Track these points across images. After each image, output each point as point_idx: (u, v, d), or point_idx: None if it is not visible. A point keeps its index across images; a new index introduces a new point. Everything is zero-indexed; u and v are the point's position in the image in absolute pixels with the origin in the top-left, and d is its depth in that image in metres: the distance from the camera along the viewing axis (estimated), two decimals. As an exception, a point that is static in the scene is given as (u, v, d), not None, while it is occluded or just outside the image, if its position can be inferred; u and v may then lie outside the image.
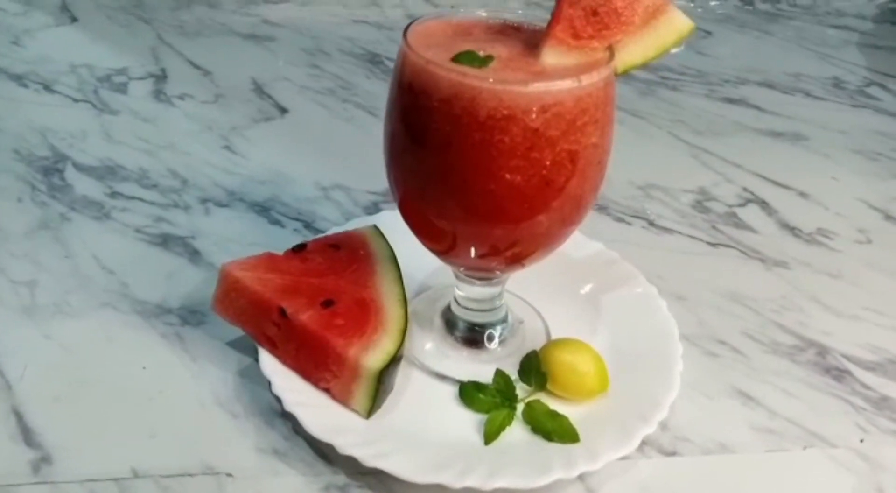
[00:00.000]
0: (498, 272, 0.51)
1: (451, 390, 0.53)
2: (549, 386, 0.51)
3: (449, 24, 0.48)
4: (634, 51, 0.44)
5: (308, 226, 0.71)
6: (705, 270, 0.69)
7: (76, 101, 0.91)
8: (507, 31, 0.48)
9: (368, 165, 0.80)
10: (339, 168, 0.80)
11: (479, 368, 0.54)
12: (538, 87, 0.39)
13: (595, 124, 0.42)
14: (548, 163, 0.41)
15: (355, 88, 0.98)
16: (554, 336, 0.57)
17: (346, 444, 0.45)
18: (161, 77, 0.97)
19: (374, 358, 0.48)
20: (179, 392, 0.53)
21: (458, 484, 0.43)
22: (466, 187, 0.42)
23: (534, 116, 0.40)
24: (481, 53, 0.43)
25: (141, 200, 0.73)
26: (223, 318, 0.54)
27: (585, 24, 0.43)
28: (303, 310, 0.50)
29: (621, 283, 0.61)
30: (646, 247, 0.71)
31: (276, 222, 0.71)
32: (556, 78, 0.40)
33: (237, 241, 0.68)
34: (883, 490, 0.49)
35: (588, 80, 0.41)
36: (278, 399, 0.49)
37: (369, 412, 0.49)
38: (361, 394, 0.48)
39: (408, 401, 0.51)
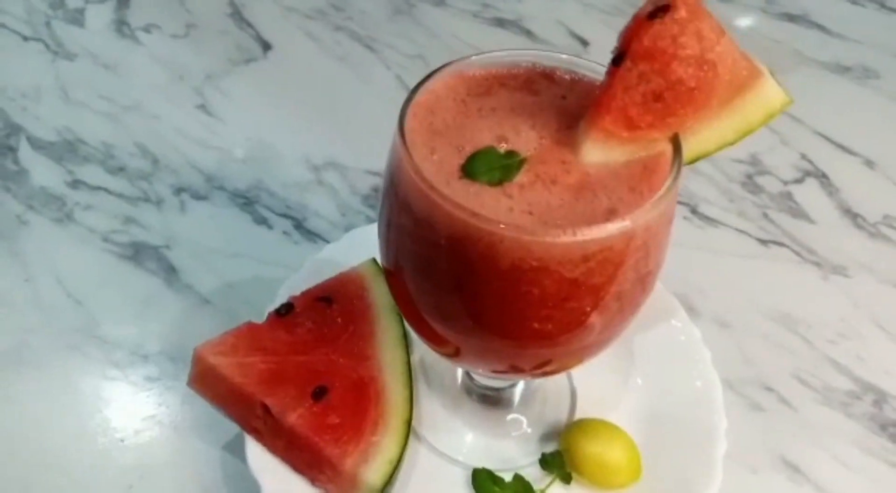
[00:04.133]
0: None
1: (463, 473, 0.47)
2: (574, 475, 0.46)
3: (462, 77, 0.36)
4: (707, 138, 0.33)
5: (298, 226, 0.62)
6: (754, 280, 0.60)
7: (26, 39, 0.78)
8: (535, 83, 0.36)
9: (365, 130, 0.69)
10: (333, 136, 0.69)
11: (494, 444, 0.48)
12: (580, 236, 0.29)
13: (650, 256, 0.32)
14: (588, 309, 0.32)
15: (349, 9, 0.83)
16: (580, 396, 0.50)
17: (345, 577, 0.40)
18: (123, 0, 0.82)
19: (374, 472, 0.42)
20: (161, 476, 0.47)
21: None
22: (482, 329, 0.34)
23: (573, 267, 0.30)
24: (503, 148, 0.33)
25: (107, 191, 0.64)
26: (202, 396, 0.47)
27: (644, 112, 0.31)
28: (291, 406, 0.43)
29: (659, 321, 0.53)
30: (687, 247, 0.62)
31: (262, 222, 0.62)
32: (602, 218, 0.30)
33: (218, 251, 0.60)
34: None
35: (645, 216, 0.30)
36: (269, 507, 0.43)
37: (372, 518, 0.43)
38: (362, 503, 0.43)
39: (415, 487, 0.46)
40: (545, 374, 0.39)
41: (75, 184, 0.64)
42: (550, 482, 0.46)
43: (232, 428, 0.49)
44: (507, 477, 0.46)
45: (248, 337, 0.46)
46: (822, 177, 0.69)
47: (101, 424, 0.50)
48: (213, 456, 0.48)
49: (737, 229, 0.64)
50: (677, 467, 0.46)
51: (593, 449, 0.45)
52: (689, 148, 0.33)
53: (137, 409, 0.50)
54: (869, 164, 0.70)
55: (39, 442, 0.49)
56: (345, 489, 0.43)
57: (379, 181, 0.65)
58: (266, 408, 0.43)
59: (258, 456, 0.45)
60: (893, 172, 0.69)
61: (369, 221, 0.63)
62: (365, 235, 0.56)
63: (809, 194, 0.67)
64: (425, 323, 0.37)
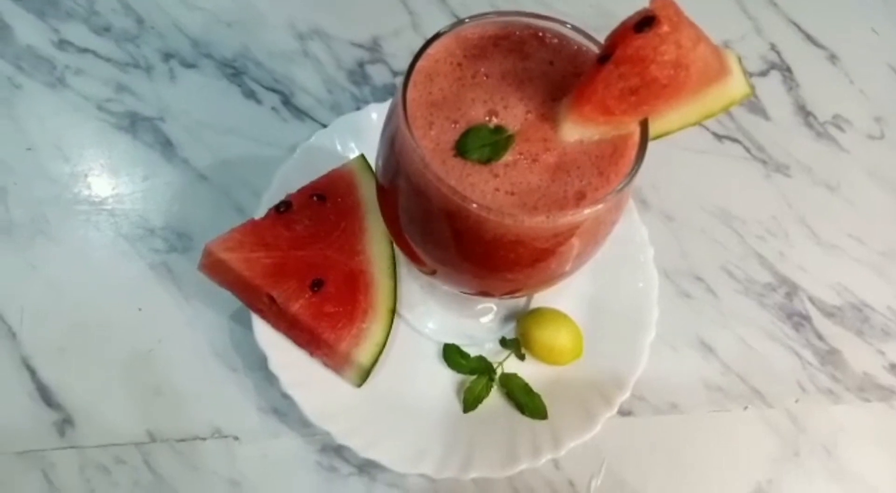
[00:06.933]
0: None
1: (435, 347, 0.56)
2: (527, 354, 0.55)
3: (458, 38, 0.39)
4: (672, 120, 0.38)
5: (286, 102, 0.65)
6: (703, 176, 0.66)
7: None
8: (526, 44, 0.39)
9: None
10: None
11: (464, 324, 0.56)
12: (552, 221, 0.35)
13: (613, 221, 0.38)
14: (555, 266, 0.39)
15: None
16: (538, 286, 0.58)
17: (340, 432, 0.50)
18: None
19: (364, 353, 0.51)
20: (177, 342, 0.55)
21: (438, 475, 0.50)
22: (460, 269, 0.40)
23: (545, 240, 0.36)
24: (493, 123, 0.37)
25: (95, 54, 0.65)
26: (211, 280, 0.53)
27: (620, 102, 0.35)
28: (293, 297, 0.50)
29: (614, 219, 0.60)
30: (648, 139, 0.67)
31: (250, 95, 0.65)
32: (573, 202, 0.35)
33: (211, 126, 0.63)
34: (799, 454, 0.57)
35: (610, 200, 0.36)
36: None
37: (360, 384, 0.53)
38: (352, 375, 0.52)
39: (395, 357, 0.55)
40: (513, 297, 0.47)
41: (62, 44, 0.65)
42: (506, 358, 0.55)
43: (236, 300, 0.56)
44: (472, 353, 0.55)
45: (253, 233, 0.51)
46: (786, 70, 0.72)
47: (120, 293, 0.56)
48: (223, 325, 0.56)
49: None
50: (613, 349, 0.55)
51: (543, 335, 0.54)
52: (655, 128, 0.38)
53: (150, 282, 0.57)
54: (833, 59, 0.74)
55: (68, 307, 0.55)
56: (339, 364, 0.52)
57: (363, 56, 0.67)
58: (271, 298, 0.50)
59: (264, 332, 0.52)
60: (853, 69, 0.73)
61: (354, 99, 0.65)
62: (351, 123, 0.60)
63: (771, 89, 0.71)
64: (407, 244, 0.43)
